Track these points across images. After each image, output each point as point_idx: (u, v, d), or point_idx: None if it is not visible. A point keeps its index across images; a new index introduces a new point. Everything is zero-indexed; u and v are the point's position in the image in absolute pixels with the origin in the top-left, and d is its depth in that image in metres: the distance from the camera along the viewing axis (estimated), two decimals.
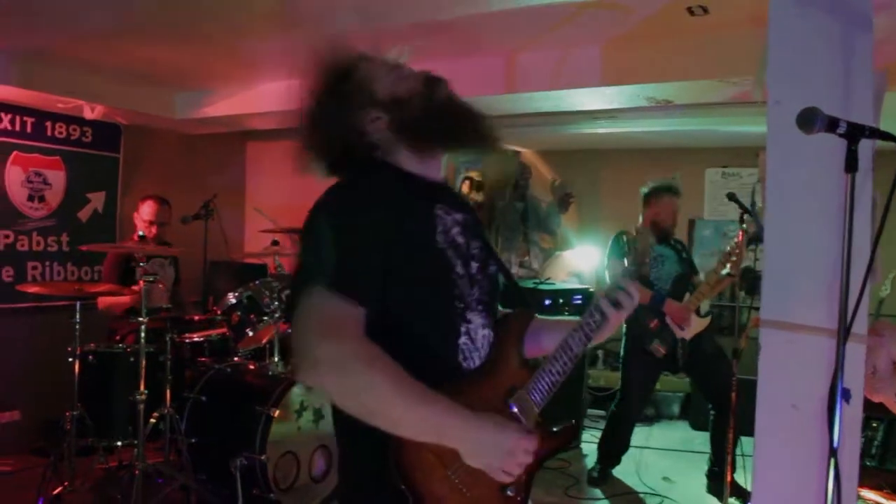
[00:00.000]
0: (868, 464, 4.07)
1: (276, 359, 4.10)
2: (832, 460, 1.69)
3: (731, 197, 3.94)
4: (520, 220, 6.02)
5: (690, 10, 3.27)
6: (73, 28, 3.79)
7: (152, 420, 3.77)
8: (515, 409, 1.41)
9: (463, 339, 1.42)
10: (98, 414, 3.78)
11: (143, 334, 3.67)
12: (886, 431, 4.11)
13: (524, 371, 1.47)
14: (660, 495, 4.38)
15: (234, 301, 4.03)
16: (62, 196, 5.29)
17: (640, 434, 4.62)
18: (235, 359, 4.22)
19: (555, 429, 1.49)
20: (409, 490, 1.27)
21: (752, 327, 2.78)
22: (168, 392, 3.84)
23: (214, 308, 4.18)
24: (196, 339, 4.34)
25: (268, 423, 3.56)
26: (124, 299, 4.31)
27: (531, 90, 4.22)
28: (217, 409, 3.86)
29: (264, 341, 4.29)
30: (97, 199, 5.50)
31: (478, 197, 6.26)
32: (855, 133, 1.64)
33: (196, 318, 4.37)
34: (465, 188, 6.29)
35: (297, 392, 3.71)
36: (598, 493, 4.44)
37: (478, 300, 1.47)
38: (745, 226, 3.83)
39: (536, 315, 1.59)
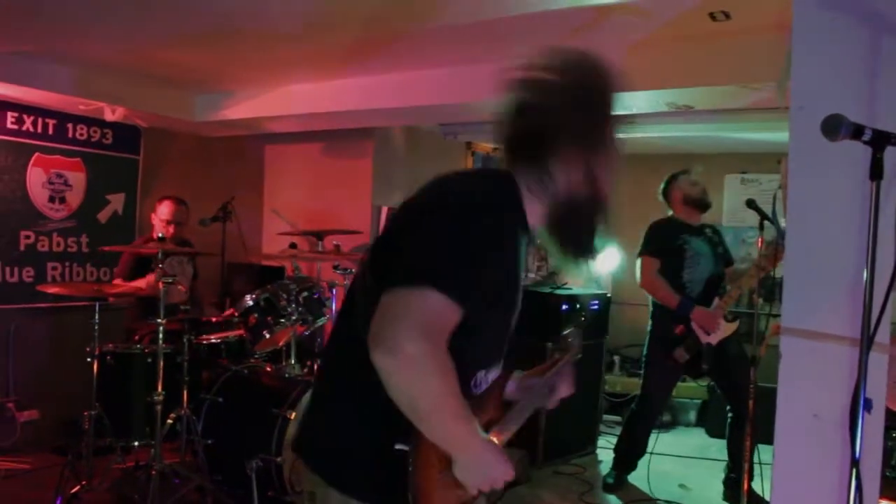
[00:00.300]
0: (889, 475, 4.02)
1: (292, 361, 4.11)
2: (854, 471, 1.67)
3: (751, 204, 3.89)
4: None
5: (712, 16, 3.25)
6: (95, 31, 3.83)
7: (169, 421, 3.79)
8: (495, 440, 1.53)
9: (482, 372, 1.55)
10: (116, 414, 3.82)
11: (160, 335, 3.70)
12: None
13: (501, 411, 1.62)
14: (676, 502, 4.35)
15: (251, 303, 4.05)
16: (82, 197, 5.34)
17: (655, 441, 4.58)
18: (252, 361, 4.23)
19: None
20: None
21: (772, 335, 2.74)
22: (185, 393, 3.86)
23: (232, 310, 4.20)
24: (213, 341, 4.36)
25: (284, 425, 3.57)
26: (139, 283, 4.31)
27: None
28: (234, 411, 3.88)
29: (281, 343, 4.31)
30: (117, 201, 5.55)
31: None
32: (881, 140, 1.62)
33: (213, 319, 4.39)
34: None
35: None
36: (613, 499, 4.42)
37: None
38: (763, 232, 3.79)
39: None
